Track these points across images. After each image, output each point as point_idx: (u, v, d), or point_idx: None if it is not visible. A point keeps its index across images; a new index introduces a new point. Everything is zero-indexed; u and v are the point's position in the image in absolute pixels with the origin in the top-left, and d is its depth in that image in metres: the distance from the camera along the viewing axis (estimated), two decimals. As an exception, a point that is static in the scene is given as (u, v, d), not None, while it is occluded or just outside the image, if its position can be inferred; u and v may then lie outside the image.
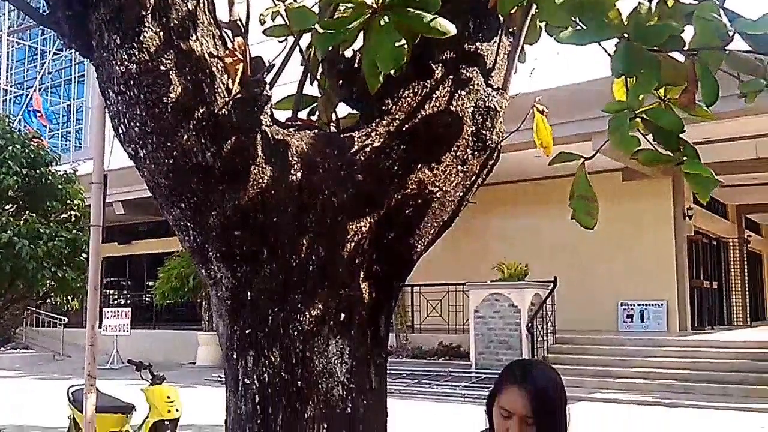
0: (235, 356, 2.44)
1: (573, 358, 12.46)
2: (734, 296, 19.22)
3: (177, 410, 4.99)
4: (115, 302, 23.61)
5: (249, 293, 2.41)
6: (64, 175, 13.98)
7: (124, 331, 17.71)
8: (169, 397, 4.98)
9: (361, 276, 2.52)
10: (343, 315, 2.46)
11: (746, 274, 20.22)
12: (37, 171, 13.49)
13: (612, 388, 11.43)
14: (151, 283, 21.33)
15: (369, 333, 2.54)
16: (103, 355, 15.75)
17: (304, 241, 2.43)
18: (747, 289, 20.26)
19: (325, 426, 2.36)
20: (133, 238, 22.67)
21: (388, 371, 2.82)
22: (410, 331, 15.96)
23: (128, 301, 22.88)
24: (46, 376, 15.38)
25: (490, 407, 1.99)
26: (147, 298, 22.55)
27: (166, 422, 4.92)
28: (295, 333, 2.40)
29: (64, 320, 20.57)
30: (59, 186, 13.73)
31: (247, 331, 2.41)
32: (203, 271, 2.52)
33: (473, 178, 2.72)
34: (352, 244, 2.48)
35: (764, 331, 15.42)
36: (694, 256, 16.19)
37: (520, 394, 1.89)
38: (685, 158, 2.12)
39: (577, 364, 11.95)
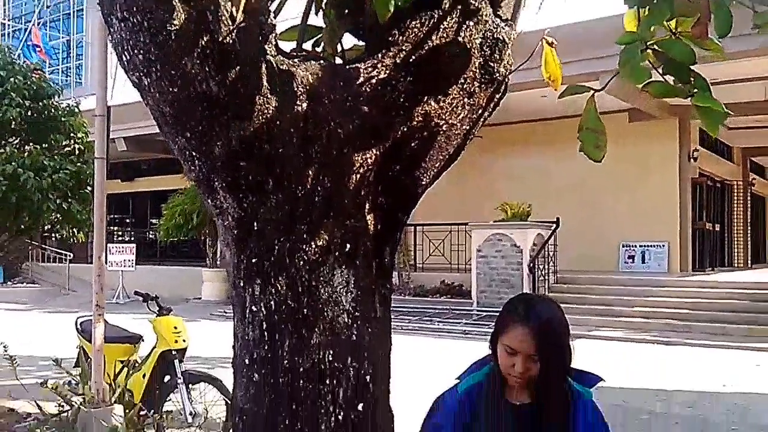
0: (242, 284, 2.48)
1: (574, 297, 12.59)
2: (736, 238, 19.30)
3: (184, 341, 5.06)
4: (120, 239, 23.79)
5: (255, 223, 2.43)
6: (67, 108, 13.82)
7: (129, 266, 17.91)
8: (176, 328, 5.05)
9: (367, 208, 2.53)
10: (348, 245, 2.48)
11: (749, 216, 20.26)
12: (40, 103, 13.32)
13: (612, 326, 11.61)
14: (154, 221, 21.46)
15: (374, 264, 2.57)
16: (109, 290, 15.96)
17: (310, 172, 2.44)
18: (749, 231, 20.33)
19: (331, 352, 2.41)
20: (137, 175, 22.69)
21: (390, 308, 2.86)
22: (413, 270, 16.12)
23: (132, 238, 23.04)
24: (54, 310, 15.65)
25: (495, 343, 2.01)
26: (151, 235, 22.73)
27: (173, 352, 4.99)
28: (301, 262, 2.43)
29: (69, 255, 20.79)
30: (62, 118, 13.57)
31: (253, 260, 2.44)
32: (209, 201, 2.53)
33: (480, 112, 2.70)
34: (358, 176, 2.48)
35: (764, 272, 15.52)
36: (697, 198, 16.19)
37: (524, 333, 1.90)
38: (695, 90, 2.10)
39: (578, 303, 12.09)
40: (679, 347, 10.26)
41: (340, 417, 2.40)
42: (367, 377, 2.47)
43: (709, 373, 8.37)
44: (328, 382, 2.40)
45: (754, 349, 9.86)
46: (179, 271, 19.05)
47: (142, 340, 5.39)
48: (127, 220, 24.97)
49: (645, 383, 7.60)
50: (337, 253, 2.45)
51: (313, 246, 2.43)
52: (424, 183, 2.69)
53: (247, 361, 2.46)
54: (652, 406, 6.59)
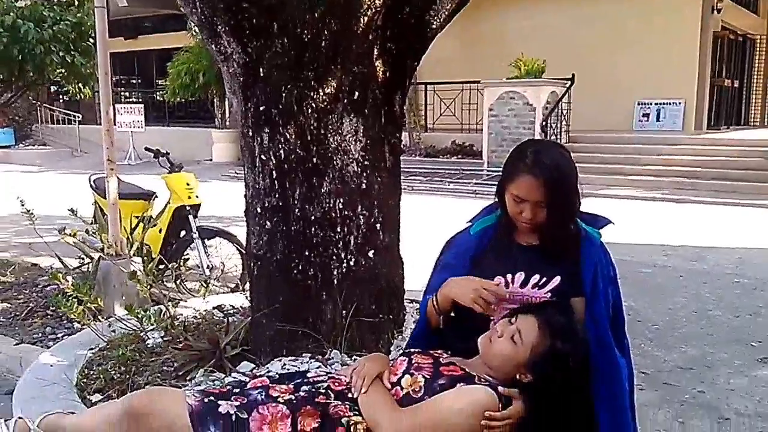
0: (250, 133, 2.45)
1: (585, 156, 12.49)
2: (754, 96, 18.84)
3: (197, 196, 5.10)
4: (127, 100, 23.55)
5: (261, 69, 2.36)
6: (61, -46, 13.13)
7: (138, 127, 17.87)
8: (188, 184, 5.07)
9: (375, 53, 2.45)
10: (357, 93, 2.42)
11: (770, 73, 19.66)
12: (33, -53, 12.62)
13: (623, 185, 11.63)
14: (161, 81, 21.09)
15: (383, 112, 2.52)
16: (120, 151, 16.01)
17: (316, 15, 2.33)
18: (768, 89, 19.82)
19: (341, 201, 2.43)
20: (140, 32, 22.07)
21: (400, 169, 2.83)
22: (423, 131, 15.98)
23: (139, 99, 22.81)
24: (67, 171, 15.80)
25: (502, 189, 2.00)
26: (158, 97, 22.47)
27: (187, 207, 5.06)
28: (309, 110, 2.38)
29: (78, 117, 20.71)
30: (57, -35, 12.94)
31: (261, 108, 2.40)
32: (213, 46, 2.45)
33: (496, -52, 2.53)
34: (365, 19, 2.37)
35: (780, 131, 15.30)
36: (718, 53, 15.63)
37: (532, 181, 1.88)
38: None
39: (590, 162, 11.99)
40: (689, 205, 10.32)
41: (351, 263, 2.45)
42: (377, 225, 2.50)
43: (716, 229, 8.47)
44: (339, 229, 2.44)
45: (763, 206, 9.90)
46: (188, 132, 18.99)
47: (156, 197, 5.45)
48: (133, 81, 24.59)
49: (652, 239, 7.71)
50: (345, 101, 2.40)
51: (321, 93, 2.37)
52: (434, 27, 2.58)
53: (258, 209, 2.48)
54: (658, 260, 6.73)
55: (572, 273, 1.93)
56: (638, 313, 4.91)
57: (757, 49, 18.57)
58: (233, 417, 1.74)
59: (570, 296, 1.93)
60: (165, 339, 2.77)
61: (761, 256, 6.90)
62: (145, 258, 4.54)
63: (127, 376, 2.44)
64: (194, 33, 16.29)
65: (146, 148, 5.52)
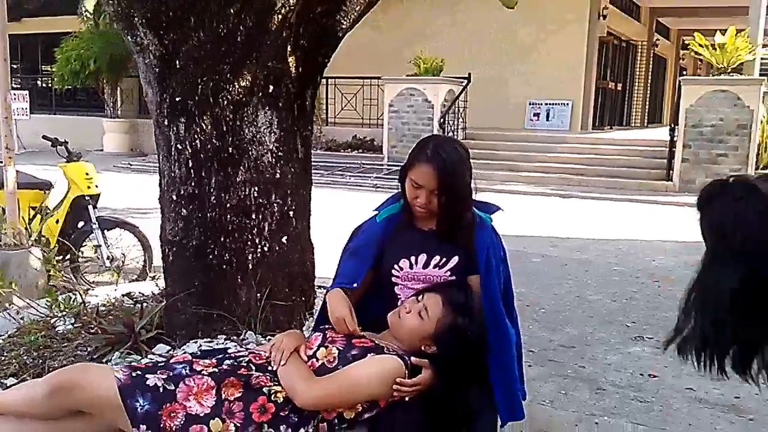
0: (166, 123, 2.52)
1: (481, 153, 13.00)
2: (636, 98, 20.15)
3: (97, 186, 5.02)
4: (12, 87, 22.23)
5: (177, 61, 2.44)
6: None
7: (23, 115, 16.91)
8: (87, 174, 4.98)
9: (288, 49, 2.57)
10: (271, 87, 2.54)
11: (650, 77, 21.07)
12: None
13: (516, 180, 12.19)
14: (46, 68, 20.07)
15: (296, 106, 2.65)
16: (5, 139, 15.15)
17: (232, 11, 2.44)
18: (649, 91, 21.23)
19: (256, 189, 2.55)
20: (24, 15, 20.88)
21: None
22: (324, 124, 16.07)
23: (20, 86, 21.58)
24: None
25: (404, 175, 2.22)
26: (43, 84, 21.34)
27: (86, 197, 4.97)
28: (225, 102, 2.48)
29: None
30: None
31: (177, 99, 2.47)
32: (129, 37, 2.50)
33: (402, -45, 2.71)
34: (280, 17, 2.50)
35: (658, 131, 16.42)
36: (603, 57, 16.63)
37: (428, 170, 2.11)
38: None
39: (485, 159, 12.51)
40: (575, 200, 10.98)
41: (266, 248, 2.58)
42: (290, 212, 2.64)
43: (599, 223, 9.09)
44: (253, 216, 2.55)
45: (643, 202, 10.68)
46: (77, 120, 18.20)
47: (53, 187, 5.31)
48: (14, 65, 23.21)
49: (541, 231, 8.20)
50: (260, 94, 2.52)
51: (237, 86, 2.48)
52: (344, 26, 2.74)
53: (174, 197, 2.55)
54: (546, 251, 7.18)
55: (468, 254, 2.18)
56: (527, 298, 5.26)
57: (639, 54, 19.87)
58: (161, 389, 1.84)
59: (467, 274, 2.17)
60: (76, 325, 2.79)
61: (639, 247, 7.50)
62: (44, 249, 4.44)
63: (41, 361, 2.46)
64: (85, 17, 15.63)
65: (44, 137, 5.36)
